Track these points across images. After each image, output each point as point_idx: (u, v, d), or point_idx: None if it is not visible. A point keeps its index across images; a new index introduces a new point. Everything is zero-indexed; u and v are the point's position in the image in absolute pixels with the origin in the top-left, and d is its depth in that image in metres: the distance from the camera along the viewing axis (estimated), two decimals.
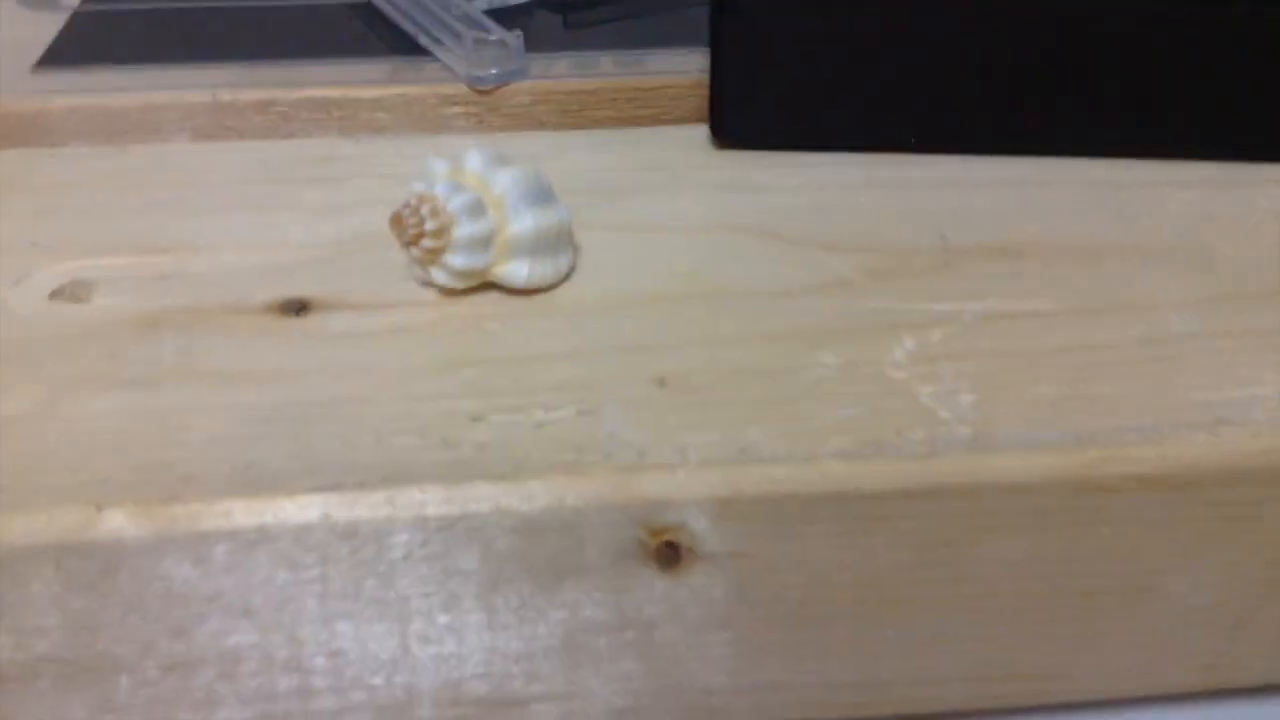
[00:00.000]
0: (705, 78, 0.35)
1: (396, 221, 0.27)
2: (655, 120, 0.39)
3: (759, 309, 0.28)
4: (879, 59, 0.34)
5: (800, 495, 0.23)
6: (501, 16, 0.41)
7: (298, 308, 0.28)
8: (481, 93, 0.40)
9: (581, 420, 0.25)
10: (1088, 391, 0.25)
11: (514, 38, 0.38)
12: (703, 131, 0.37)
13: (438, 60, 0.40)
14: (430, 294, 0.29)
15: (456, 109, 0.40)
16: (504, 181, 0.28)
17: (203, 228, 0.31)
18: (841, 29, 0.34)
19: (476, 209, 0.27)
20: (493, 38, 0.38)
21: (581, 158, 0.36)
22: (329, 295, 0.28)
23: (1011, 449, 0.24)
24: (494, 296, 0.29)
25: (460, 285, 0.28)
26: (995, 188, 0.33)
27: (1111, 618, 0.25)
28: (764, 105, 0.35)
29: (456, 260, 0.27)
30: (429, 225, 0.27)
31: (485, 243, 0.27)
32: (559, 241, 0.29)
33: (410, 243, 0.27)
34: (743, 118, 0.35)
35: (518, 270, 0.28)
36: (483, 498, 0.23)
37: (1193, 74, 0.33)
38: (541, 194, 0.28)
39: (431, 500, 0.23)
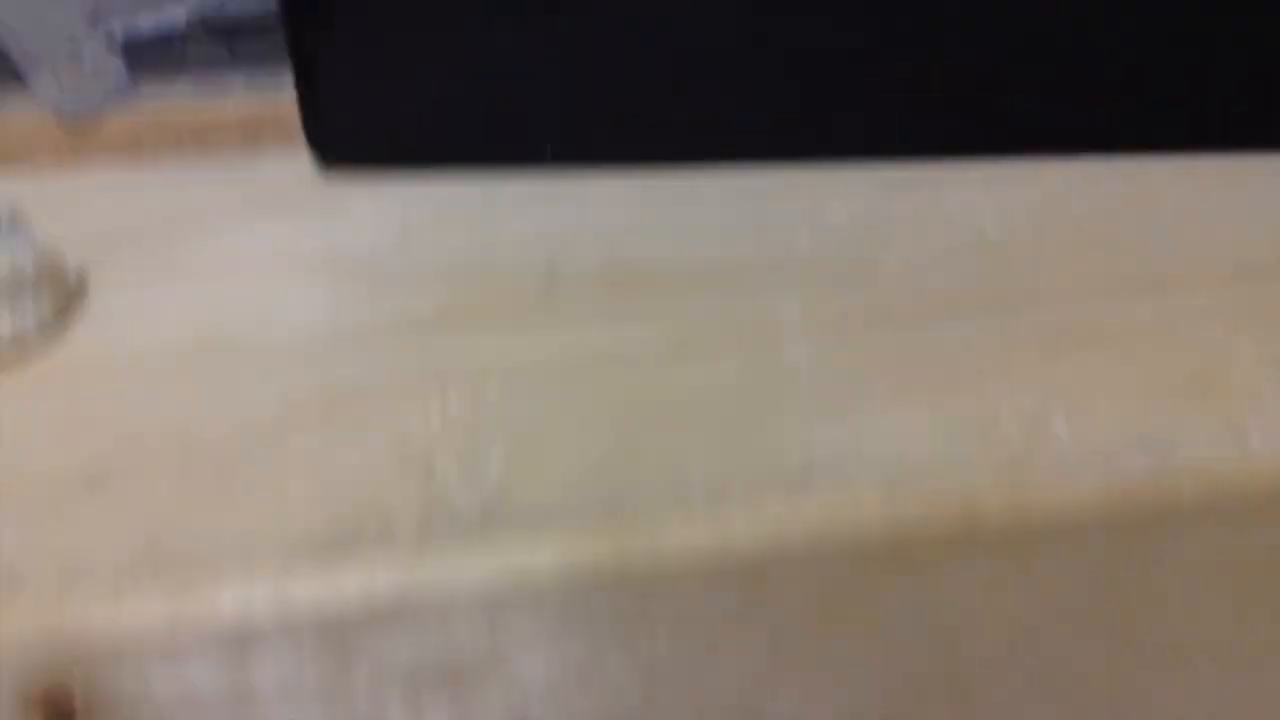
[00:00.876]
0: None
1: None
2: (280, 145, 0.34)
3: (274, 367, 0.23)
4: (495, 63, 0.29)
5: None
6: (154, 45, 0.35)
7: None
8: (78, 124, 0.34)
9: None
10: (641, 447, 0.20)
11: (112, 64, 0.33)
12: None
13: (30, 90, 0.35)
14: None
15: (46, 143, 0.34)
16: None
17: None
18: (439, 30, 0.28)
19: None
20: (84, 65, 0.33)
21: (152, 193, 0.30)
22: None
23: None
24: None
25: None
26: (627, 205, 0.28)
27: None
28: (367, 118, 0.30)
29: None
30: None
31: None
32: (17, 287, 0.23)
33: None
34: (341, 134, 0.30)
35: None
36: None
37: (856, 72, 0.28)
38: None
39: None
